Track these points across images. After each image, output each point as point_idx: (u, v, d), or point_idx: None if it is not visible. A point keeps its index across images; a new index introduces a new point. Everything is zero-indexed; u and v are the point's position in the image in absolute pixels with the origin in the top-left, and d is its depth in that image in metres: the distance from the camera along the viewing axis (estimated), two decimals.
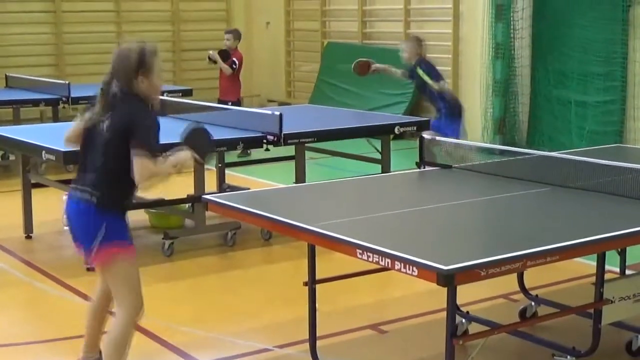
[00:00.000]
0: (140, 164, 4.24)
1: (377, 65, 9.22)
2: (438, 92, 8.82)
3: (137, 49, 4.44)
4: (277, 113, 7.35)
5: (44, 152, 6.78)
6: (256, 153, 8.07)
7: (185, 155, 4.46)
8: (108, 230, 4.34)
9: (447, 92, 8.98)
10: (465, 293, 4.86)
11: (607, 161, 5.26)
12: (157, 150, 4.34)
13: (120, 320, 4.44)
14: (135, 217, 7.23)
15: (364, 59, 9.28)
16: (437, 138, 6.19)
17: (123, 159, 4.28)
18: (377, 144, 8.51)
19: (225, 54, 11.88)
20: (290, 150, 8.02)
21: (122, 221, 4.44)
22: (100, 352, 4.71)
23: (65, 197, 4.60)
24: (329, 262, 5.09)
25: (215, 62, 11.82)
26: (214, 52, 11.93)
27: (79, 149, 4.56)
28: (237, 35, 12.06)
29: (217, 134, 7.37)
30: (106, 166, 4.36)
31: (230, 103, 10.98)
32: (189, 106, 8.41)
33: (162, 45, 18.21)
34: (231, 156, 8.95)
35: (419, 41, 9.12)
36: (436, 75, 8.83)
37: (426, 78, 8.71)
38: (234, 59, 11.77)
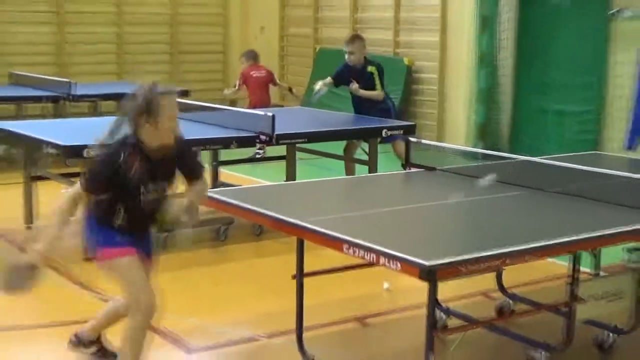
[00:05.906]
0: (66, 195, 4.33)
1: None
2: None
3: (144, 91, 4.21)
4: (270, 114, 7.49)
5: (45, 145, 6.94)
6: (248, 152, 8.22)
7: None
8: (99, 239, 4.43)
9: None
10: (446, 290, 4.95)
11: (584, 167, 5.37)
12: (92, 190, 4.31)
13: (130, 320, 4.45)
14: None
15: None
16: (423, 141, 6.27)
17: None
18: (366, 146, 8.64)
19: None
20: (282, 150, 8.10)
21: (112, 230, 4.41)
22: (97, 342, 4.88)
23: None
24: (317, 257, 5.09)
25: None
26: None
27: None
28: (248, 56, 11.73)
29: (212, 133, 7.62)
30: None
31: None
32: (186, 106, 8.56)
33: (160, 46, 18.33)
34: (226, 154, 9.11)
35: (363, 40, 9.14)
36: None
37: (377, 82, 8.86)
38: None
